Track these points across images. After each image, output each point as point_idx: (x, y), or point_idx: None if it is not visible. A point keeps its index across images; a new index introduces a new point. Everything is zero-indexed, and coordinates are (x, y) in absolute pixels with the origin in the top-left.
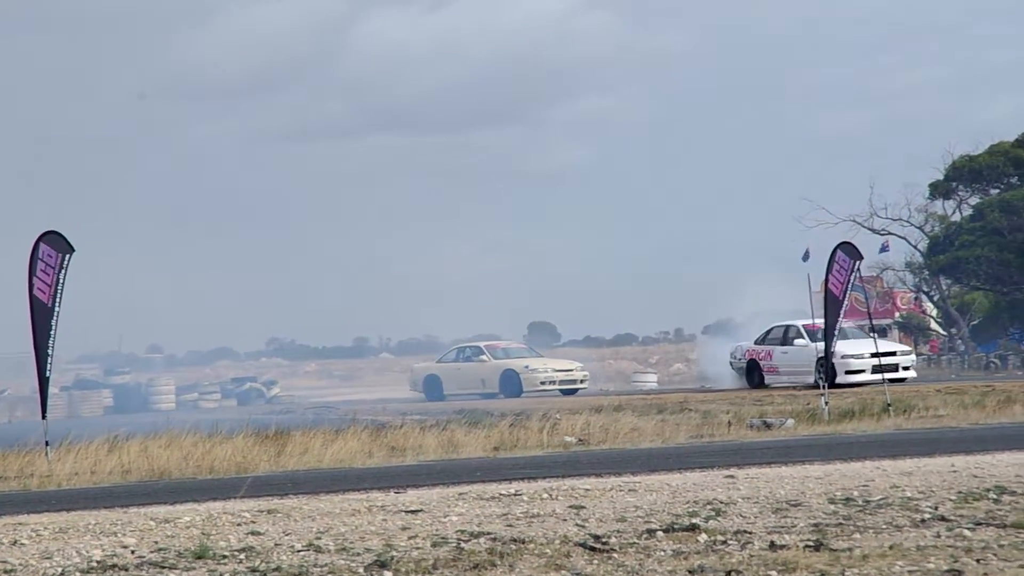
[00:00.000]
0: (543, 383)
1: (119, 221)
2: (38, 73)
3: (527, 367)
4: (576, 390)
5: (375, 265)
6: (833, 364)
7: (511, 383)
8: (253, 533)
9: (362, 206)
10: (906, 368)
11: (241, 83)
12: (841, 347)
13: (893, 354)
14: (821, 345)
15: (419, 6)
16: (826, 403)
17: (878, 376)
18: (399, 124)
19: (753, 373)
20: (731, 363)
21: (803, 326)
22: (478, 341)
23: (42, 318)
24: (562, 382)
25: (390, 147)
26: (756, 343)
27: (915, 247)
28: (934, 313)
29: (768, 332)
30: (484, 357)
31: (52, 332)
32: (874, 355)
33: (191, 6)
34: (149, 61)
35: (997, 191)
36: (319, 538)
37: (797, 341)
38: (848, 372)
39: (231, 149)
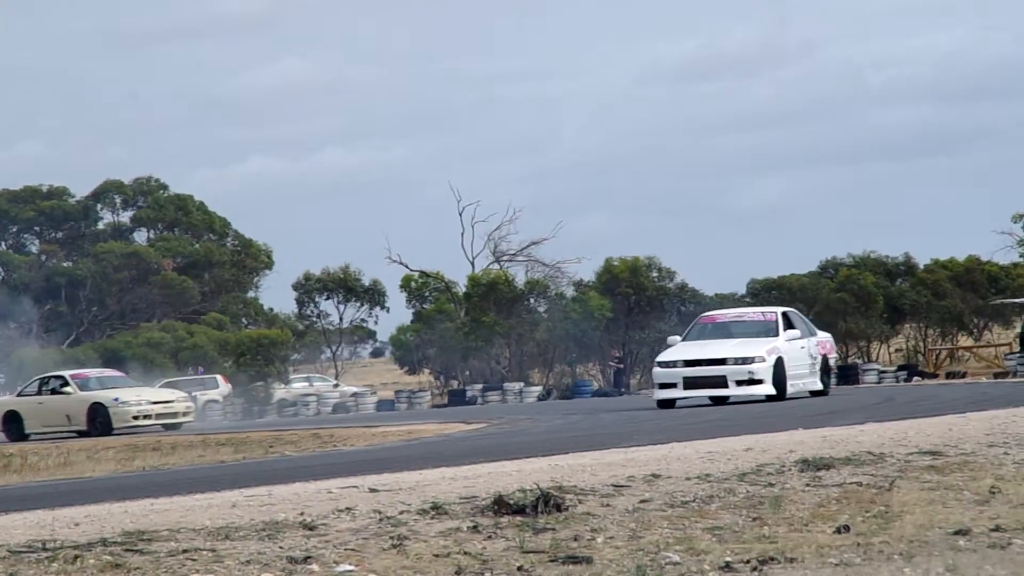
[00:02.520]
0: (136, 417)
1: None
2: None
3: (116, 399)
4: (179, 424)
5: None
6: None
7: (100, 418)
8: None
9: None
10: None
11: None
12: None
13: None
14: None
15: None
16: None
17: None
18: None
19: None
20: None
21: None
22: (64, 370)
23: None
24: (160, 415)
25: None
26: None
27: None
28: None
29: None
30: (69, 389)
31: None
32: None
33: None
34: None
35: None
36: None
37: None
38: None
39: None
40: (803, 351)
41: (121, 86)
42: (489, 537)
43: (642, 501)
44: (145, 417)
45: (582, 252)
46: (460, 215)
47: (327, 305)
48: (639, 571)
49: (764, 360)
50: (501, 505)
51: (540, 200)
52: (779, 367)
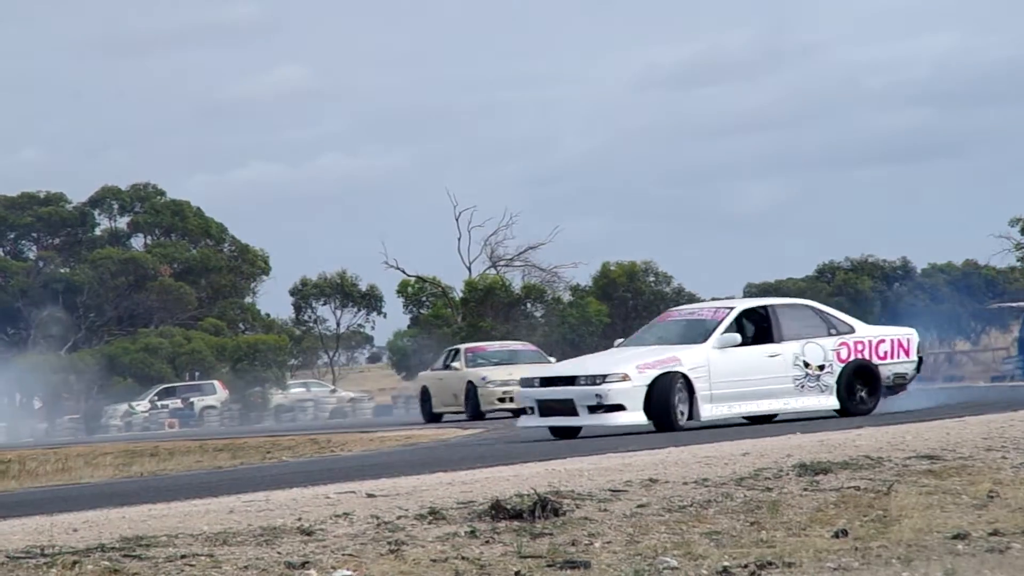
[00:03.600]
0: (501, 399)
1: None
2: None
3: (484, 378)
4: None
5: None
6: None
7: (472, 399)
8: None
9: None
10: None
11: None
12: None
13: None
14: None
15: None
16: None
17: None
18: None
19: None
20: None
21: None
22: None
23: None
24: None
25: None
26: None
27: None
28: None
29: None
30: (457, 364)
31: None
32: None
33: None
34: None
35: None
36: None
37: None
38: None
39: None
40: (775, 360)
41: (119, 92)
42: (487, 542)
43: (640, 506)
44: (511, 400)
45: (579, 257)
46: (456, 220)
47: (324, 310)
48: (636, 575)
49: (627, 379)
50: (499, 510)
51: (537, 204)
52: (663, 388)
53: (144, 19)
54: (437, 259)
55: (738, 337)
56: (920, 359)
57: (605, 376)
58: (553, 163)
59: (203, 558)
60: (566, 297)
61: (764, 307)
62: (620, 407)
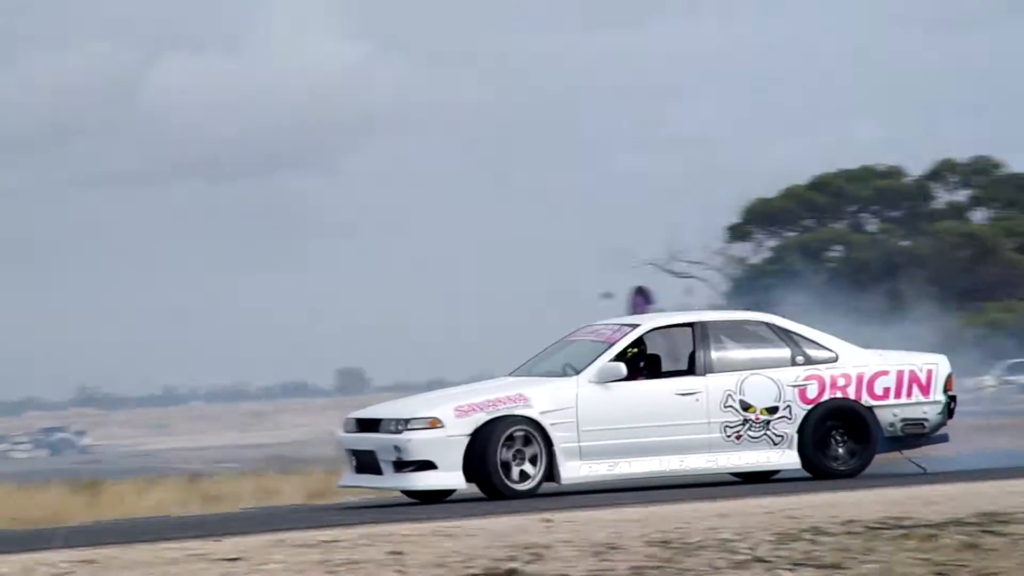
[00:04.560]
0: None
1: None
2: None
3: None
4: None
5: (178, 312)
6: None
7: None
8: None
9: (163, 252)
10: None
11: (34, 132)
12: None
13: None
14: None
15: (212, 54)
16: None
17: None
18: (195, 170)
19: None
20: None
21: None
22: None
23: None
24: None
25: (186, 192)
26: None
27: (717, 290)
28: None
29: None
30: None
31: None
32: None
33: None
34: None
35: (794, 233)
36: None
37: None
38: None
39: (25, 196)
40: (691, 399)
41: (950, 67)
42: None
43: None
44: None
45: None
46: None
47: None
48: None
49: (437, 426)
50: None
51: None
52: (486, 439)
53: None
54: None
55: (622, 368)
56: (951, 398)
57: (408, 421)
58: None
59: None
60: None
61: (691, 324)
62: (429, 464)
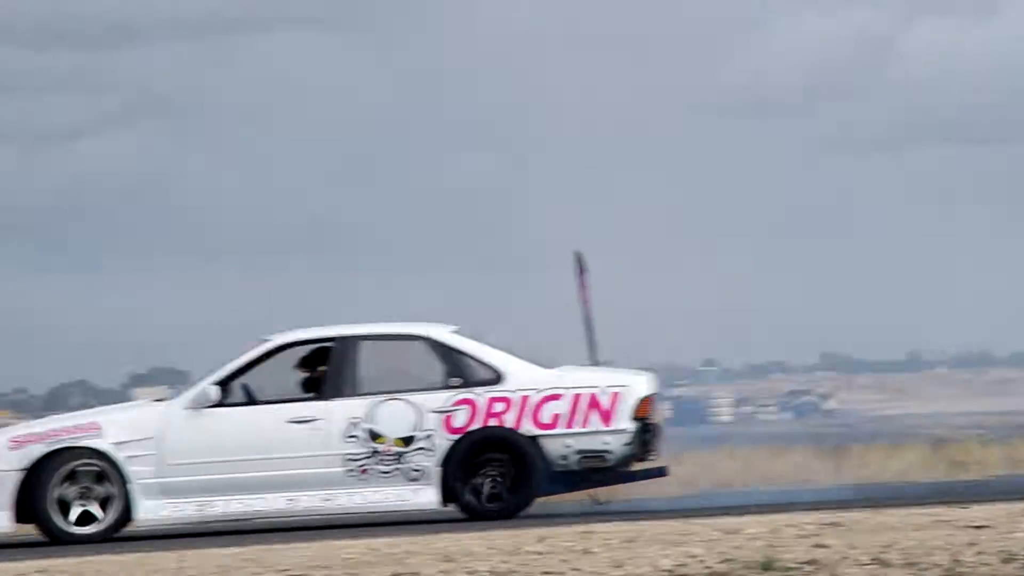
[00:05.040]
0: None
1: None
2: None
3: None
4: None
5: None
6: None
7: None
8: (818, 546)
9: (917, 218)
10: None
11: (785, 96)
12: None
13: None
14: None
15: (969, 16)
16: None
17: None
18: (948, 135)
19: None
20: None
21: None
22: None
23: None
24: None
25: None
26: None
27: None
28: None
29: None
30: None
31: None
32: None
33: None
34: (699, 77)
35: None
36: (885, 552)
37: None
38: None
39: (779, 159)
40: (306, 428)
41: None
42: None
43: None
44: None
45: None
46: None
47: None
48: None
49: None
50: None
51: None
52: (42, 475)
53: None
54: None
55: (213, 393)
56: (645, 426)
57: None
58: None
59: None
60: None
61: (331, 340)
62: None
